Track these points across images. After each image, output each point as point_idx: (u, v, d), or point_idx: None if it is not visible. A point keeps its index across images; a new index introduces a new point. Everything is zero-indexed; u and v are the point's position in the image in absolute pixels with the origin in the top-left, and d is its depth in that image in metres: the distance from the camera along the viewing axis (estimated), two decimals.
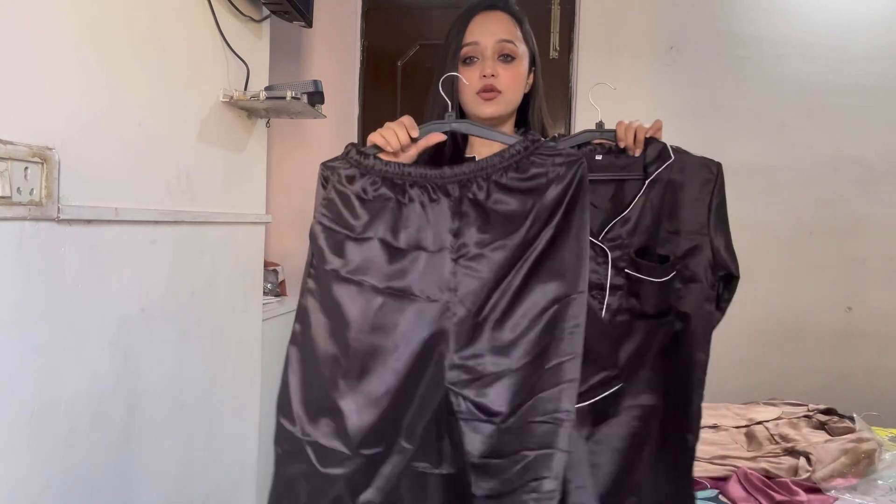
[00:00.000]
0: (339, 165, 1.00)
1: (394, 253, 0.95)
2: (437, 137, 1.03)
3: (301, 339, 1.00)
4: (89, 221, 1.17)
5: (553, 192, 0.93)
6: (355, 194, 0.97)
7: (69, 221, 1.12)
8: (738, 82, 2.53)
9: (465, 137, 1.19)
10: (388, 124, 1.02)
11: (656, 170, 1.11)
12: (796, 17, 2.51)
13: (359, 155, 0.99)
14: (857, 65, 2.48)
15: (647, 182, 1.11)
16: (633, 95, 2.57)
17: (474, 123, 1.07)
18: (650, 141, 1.13)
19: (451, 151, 1.14)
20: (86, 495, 1.20)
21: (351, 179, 0.98)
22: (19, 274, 1.02)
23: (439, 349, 0.94)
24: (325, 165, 1.01)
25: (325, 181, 1.00)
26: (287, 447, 0.98)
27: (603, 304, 1.08)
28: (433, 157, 1.14)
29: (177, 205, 1.48)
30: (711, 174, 1.15)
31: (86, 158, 1.17)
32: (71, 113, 1.13)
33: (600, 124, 1.20)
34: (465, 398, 0.93)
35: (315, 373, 0.98)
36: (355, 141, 2.83)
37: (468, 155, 1.18)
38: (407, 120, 1.02)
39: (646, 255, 1.10)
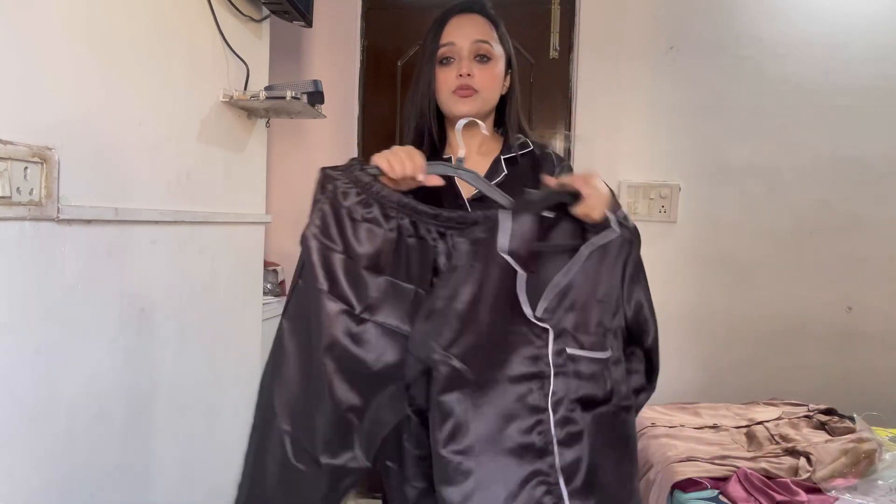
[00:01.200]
0: (339, 178, 0.97)
1: (371, 280, 0.94)
2: (436, 181, 1.00)
3: (283, 335, 1.00)
4: (89, 221, 1.17)
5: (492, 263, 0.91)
6: (347, 212, 0.95)
7: (69, 221, 1.12)
8: (738, 82, 2.53)
9: (442, 136, 1.20)
10: (396, 149, 1.00)
11: (596, 236, 0.96)
12: (796, 16, 2.51)
13: (361, 172, 0.97)
14: (857, 65, 2.48)
15: (586, 251, 0.95)
16: (633, 95, 2.58)
17: (478, 177, 1.03)
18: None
19: (430, 153, 1.15)
20: (86, 495, 1.20)
21: (346, 195, 0.95)
22: (19, 274, 1.02)
23: (404, 382, 0.94)
24: (325, 173, 0.98)
25: (321, 188, 0.98)
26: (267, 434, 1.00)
27: (547, 394, 0.93)
28: (416, 146, 1.16)
29: (177, 205, 1.48)
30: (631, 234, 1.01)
31: (86, 158, 1.17)
32: (71, 113, 1.13)
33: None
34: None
35: (285, 371, 0.98)
36: (355, 141, 2.83)
37: (445, 155, 1.20)
38: (417, 158, 0.98)
39: (584, 329, 0.97)
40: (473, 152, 1.17)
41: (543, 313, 0.93)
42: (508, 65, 1.20)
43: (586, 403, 0.95)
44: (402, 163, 0.96)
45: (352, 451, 0.93)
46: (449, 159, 1.13)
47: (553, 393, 0.93)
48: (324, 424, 0.94)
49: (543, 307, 0.93)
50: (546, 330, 0.93)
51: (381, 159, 0.97)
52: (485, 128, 1.10)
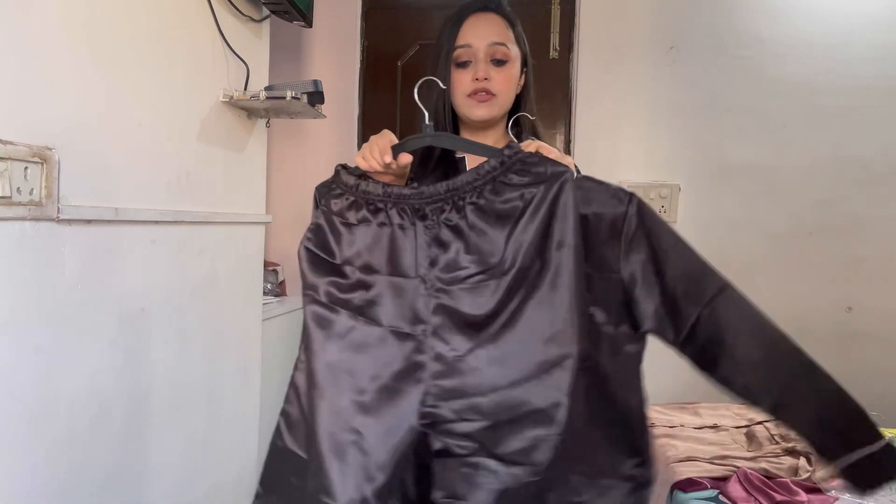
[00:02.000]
0: (329, 187, 0.96)
1: (372, 281, 0.91)
2: (406, 159, 0.97)
3: (304, 366, 0.98)
4: (89, 221, 1.17)
5: (531, 220, 0.84)
6: (339, 217, 0.93)
7: (69, 221, 1.12)
8: (738, 82, 2.53)
9: (455, 127, 1.19)
10: (371, 140, 0.99)
11: None
12: (797, 16, 2.51)
13: (347, 176, 0.95)
14: (857, 65, 2.48)
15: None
16: (633, 95, 2.58)
17: (452, 136, 1.02)
18: None
19: (440, 151, 1.14)
20: (86, 495, 1.20)
21: (336, 202, 0.93)
22: (19, 274, 1.02)
23: (414, 384, 0.88)
24: (317, 188, 0.98)
25: (316, 203, 0.97)
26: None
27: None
28: (423, 158, 1.15)
29: (177, 205, 1.48)
30: None
31: (86, 158, 1.17)
32: (71, 113, 1.13)
33: None
34: (441, 437, 0.87)
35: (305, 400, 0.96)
36: (355, 141, 2.83)
37: (459, 155, 1.18)
38: (381, 141, 0.97)
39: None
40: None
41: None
42: (524, 63, 1.18)
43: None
44: (371, 154, 0.96)
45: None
46: (463, 159, 1.09)
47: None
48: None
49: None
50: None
51: (358, 158, 0.97)
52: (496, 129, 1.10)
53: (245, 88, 1.73)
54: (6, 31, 0.99)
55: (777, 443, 1.73)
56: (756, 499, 1.42)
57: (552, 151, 0.98)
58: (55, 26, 1.09)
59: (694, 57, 2.55)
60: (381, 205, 0.91)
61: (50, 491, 1.11)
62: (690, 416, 2.03)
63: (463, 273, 0.87)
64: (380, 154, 0.96)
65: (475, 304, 0.86)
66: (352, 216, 0.93)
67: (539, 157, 0.88)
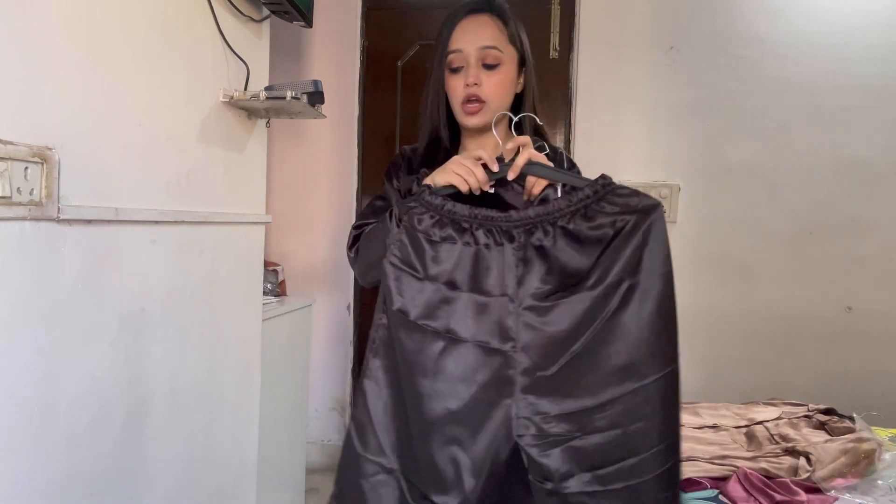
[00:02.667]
0: (413, 206, 0.99)
1: (456, 297, 0.94)
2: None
3: (373, 374, 1.00)
4: (89, 221, 1.17)
5: (623, 245, 0.88)
6: (424, 235, 0.96)
7: (69, 221, 1.12)
8: (738, 82, 2.53)
9: (455, 142, 1.19)
10: (461, 161, 1.01)
11: None
12: (796, 16, 2.51)
13: (430, 196, 0.98)
14: (857, 65, 2.48)
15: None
16: (633, 95, 2.58)
17: (545, 166, 1.03)
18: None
19: (443, 159, 1.14)
20: (86, 495, 1.20)
21: (421, 220, 0.97)
22: (19, 274, 1.02)
23: (503, 399, 0.92)
24: (398, 206, 1.02)
25: (398, 222, 1.00)
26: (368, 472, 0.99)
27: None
28: (429, 152, 1.15)
29: (177, 205, 1.48)
30: None
31: (86, 158, 1.17)
32: (71, 113, 1.13)
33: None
34: (528, 454, 0.91)
35: (384, 410, 0.99)
36: (355, 141, 2.83)
37: (463, 140, 1.19)
38: (481, 173, 1.00)
39: None
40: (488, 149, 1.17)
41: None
42: (522, 62, 1.16)
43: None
44: (473, 175, 0.99)
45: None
46: (501, 159, 1.10)
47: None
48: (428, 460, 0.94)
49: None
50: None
51: (453, 177, 1.00)
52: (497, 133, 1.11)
53: (245, 88, 1.73)
54: (6, 31, 0.99)
55: (777, 443, 1.73)
56: (756, 499, 1.42)
57: (540, 158, 1.01)
58: (55, 26, 1.09)
59: (694, 57, 2.55)
60: (466, 225, 0.95)
61: (50, 491, 1.11)
62: (690, 416, 2.03)
63: (550, 291, 0.91)
64: (480, 183, 1.00)
65: (562, 321, 0.90)
66: (436, 233, 0.96)
67: (630, 190, 0.92)
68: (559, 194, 0.99)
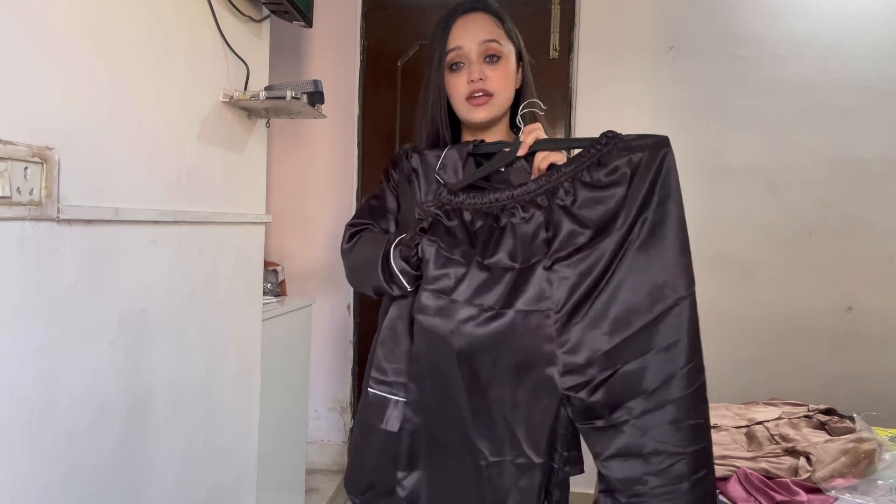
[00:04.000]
0: (436, 208, 1.04)
1: (490, 274, 0.97)
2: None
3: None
4: (89, 221, 1.17)
5: (641, 181, 0.93)
6: (454, 227, 1.01)
7: (69, 221, 1.12)
8: (738, 82, 2.53)
9: (456, 138, 1.20)
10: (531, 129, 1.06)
11: None
12: (796, 16, 2.51)
13: (450, 195, 1.03)
14: (857, 65, 2.48)
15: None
16: (634, 95, 2.58)
17: (551, 139, 1.06)
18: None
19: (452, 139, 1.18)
20: (86, 495, 1.20)
21: (448, 216, 1.02)
22: (19, 274, 1.02)
23: (545, 356, 0.96)
24: (428, 211, 1.06)
25: (429, 224, 1.04)
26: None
27: None
28: (433, 142, 1.17)
29: (177, 205, 1.47)
30: None
31: (86, 158, 1.17)
32: (71, 113, 1.13)
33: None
34: (576, 400, 0.95)
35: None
36: (355, 141, 2.83)
37: (465, 139, 1.19)
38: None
39: None
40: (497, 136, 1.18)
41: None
42: (519, 58, 1.17)
43: None
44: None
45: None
46: (482, 141, 1.14)
47: None
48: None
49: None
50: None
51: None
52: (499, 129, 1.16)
53: (245, 88, 1.73)
54: (6, 31, 0.99)
55: (777, 443, 1.73)
56: (756, 499, 1.42)
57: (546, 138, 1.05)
58: (55, 27, 1.09)
59: (694, 57, 2.55)
60: (488, 210, 1.00)
61: (50, 491, 1.11)
62: None
63: (583, 244, 0.94)
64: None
65: (595, 266, 0.93)
66: (465, 224, 1.01)
67: (636, 134, 0.95)
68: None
